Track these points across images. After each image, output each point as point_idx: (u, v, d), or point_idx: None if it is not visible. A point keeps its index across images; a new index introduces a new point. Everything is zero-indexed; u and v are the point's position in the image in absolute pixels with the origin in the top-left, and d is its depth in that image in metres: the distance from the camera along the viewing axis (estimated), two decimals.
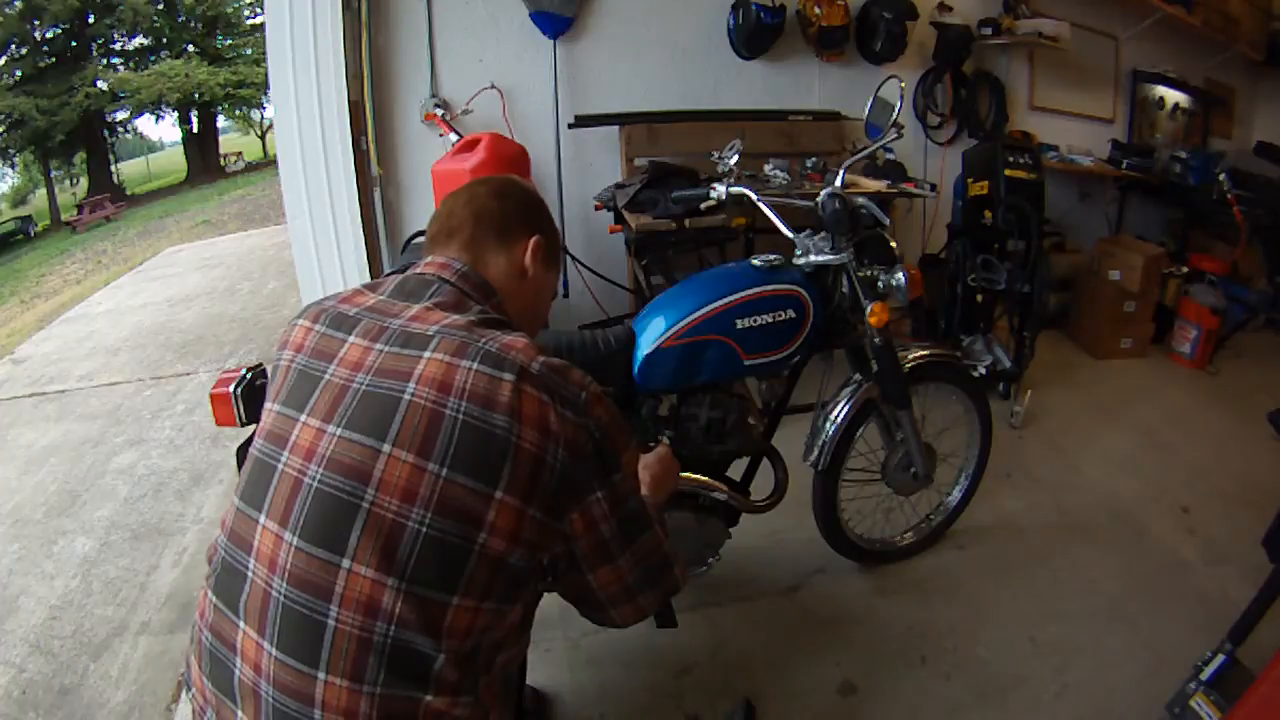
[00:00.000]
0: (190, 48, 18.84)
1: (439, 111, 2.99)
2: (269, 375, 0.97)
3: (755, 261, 1.57)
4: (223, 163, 20.51)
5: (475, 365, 0.79)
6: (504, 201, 1.03)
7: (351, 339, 0.87)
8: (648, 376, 1.51)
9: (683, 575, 1.03)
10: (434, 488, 0.76)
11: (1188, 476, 2.37)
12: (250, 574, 0.80)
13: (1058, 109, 3.84)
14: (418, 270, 0.97)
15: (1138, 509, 2.21)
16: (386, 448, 0.77)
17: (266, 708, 0.76)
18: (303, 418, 0.83)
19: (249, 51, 18.98)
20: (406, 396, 0.79)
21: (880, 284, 1.62)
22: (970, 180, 2.92)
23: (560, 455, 0.80)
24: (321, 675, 0.74)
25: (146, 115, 19.19)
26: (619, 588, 0.94)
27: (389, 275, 0.98)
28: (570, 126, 3.09)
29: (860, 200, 1.66)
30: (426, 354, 0.81)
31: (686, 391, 1.57)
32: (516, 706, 1.02)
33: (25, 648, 1.89)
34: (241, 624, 0.80)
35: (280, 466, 0.82)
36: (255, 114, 21.55)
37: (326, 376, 0.85)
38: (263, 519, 0.81)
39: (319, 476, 0.78)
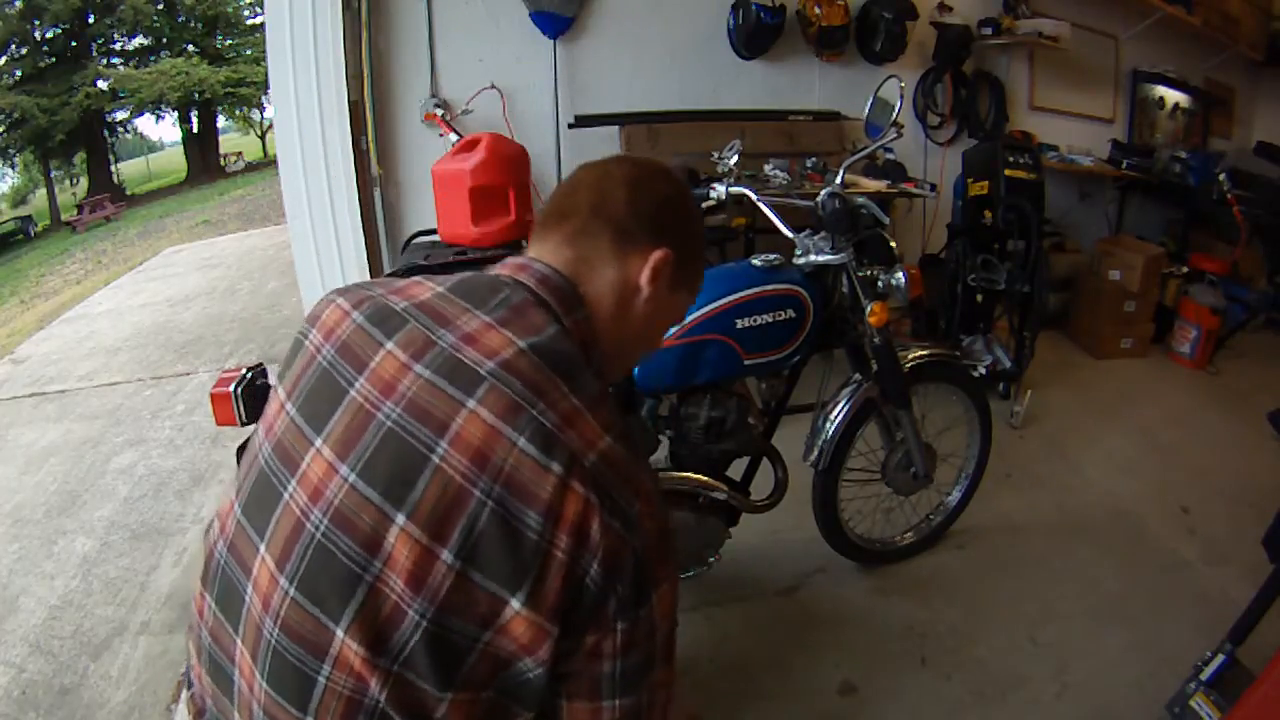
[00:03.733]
0: (190, 47, 18.85)
1: (439, 111, 2.99)
2: (290, 348, 0.85)
3: (755, 261, 1.57)
4: (223, 163, 20.49)
5: (521, 442, 0.65)
6: (636, 194, 0.82)
7: (390, 346, 0.72)
8: (648, 376, 1.51)
9: None
10: (444, 580, 0.65)
11: (1188, 476, 2.37)
12: (247, 602, 0.73)
13: (1058, 109, 3.84)
14: (496, 267, 0.81)
15: (1138, 509, 2.21)
16: (400, 519, 0.66)
17: None
18: (318, 442, 0.72)
19: (249, 51, 18.98)
20: (435, 459, 0.66)
21: (880, 284, 1.62)
22: (970, 180, 2.92)
23: (595, 570, 0.66)
24: None
25: (146, 115, 19.21)
26: None
27: (456, 270, 0.83)
28: (570, 126, 3.09)
29: (860, 200, 1.66)
30: (470, 403, 0.67)
31: (686, 391, 1.57)
32: None
33: (25, 648, 1.89)
34: (239, 643, 0.74)
35: (285, 497, 0.72)
36: (255, 114, 21.55)
37: (351, 391, 0.72)
38: (262, 549, 0.72)
39: (323, 528, 0.68)
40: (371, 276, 2.97)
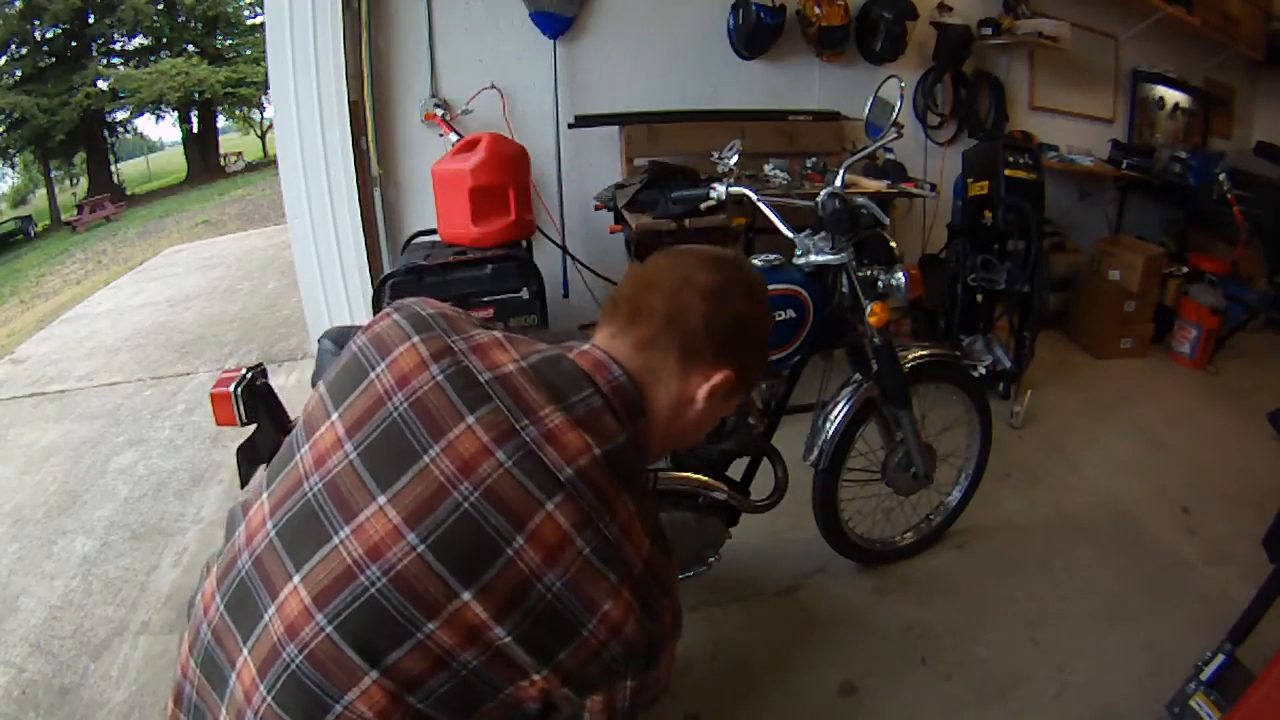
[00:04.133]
0: (190, 47, 18.85)
1: (439, 111, 2.99)
2: (346, 363, 0.87)
3: (755, 261, 1.57)
4: (223, 163, 20.48)
5: (587, 550, 0.73)
6: (712, 311, 0.84)
7: (471, 421, 0.76)
8: None
9: (667, 686, 0.91)
10: (492, 646, 0.72)
11: (1188, 476, 2.37)
12: (266, 621, 0.75)
13: (1058, 109, 3.84)
14: (575, 353, 0.84)
15: (1138, 509, 2.21)
16: (466, 595, 0.71)
17: None
18: (381, 500, 0.74)
19: (249, 51, 18.97)
20: (510, 551, 0.72)
21: (880, 284, 1.62)
22: (970, 180, 2.92)
23: (616, 652, 0.75)
24: None
25: (146, 115, 19.22)
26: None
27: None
28: (570, 126, 3.09)
29: (860, 200, 1.66)
30: (549, 507, 0.73)
31: None
32: None
33: (25, 648, 1.89)
34: (245, 653, 0.75)
35: (336, 542, 0.74)
36: (255, 114, 21.55)
37: (426, 459, 0.74)
38: (296, 580, 0.74)
39: (379, 585, 0.71)
40: (371, 277, 2.97)
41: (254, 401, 1.38)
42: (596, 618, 0.73)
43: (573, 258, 3.15)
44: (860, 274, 1.60)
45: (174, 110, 19.13)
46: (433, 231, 2.54)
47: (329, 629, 0.72)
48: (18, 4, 16.16)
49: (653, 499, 0.83)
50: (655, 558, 0.78)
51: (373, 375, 0.81)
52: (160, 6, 18.13)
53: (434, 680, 0.72)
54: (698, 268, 0.86)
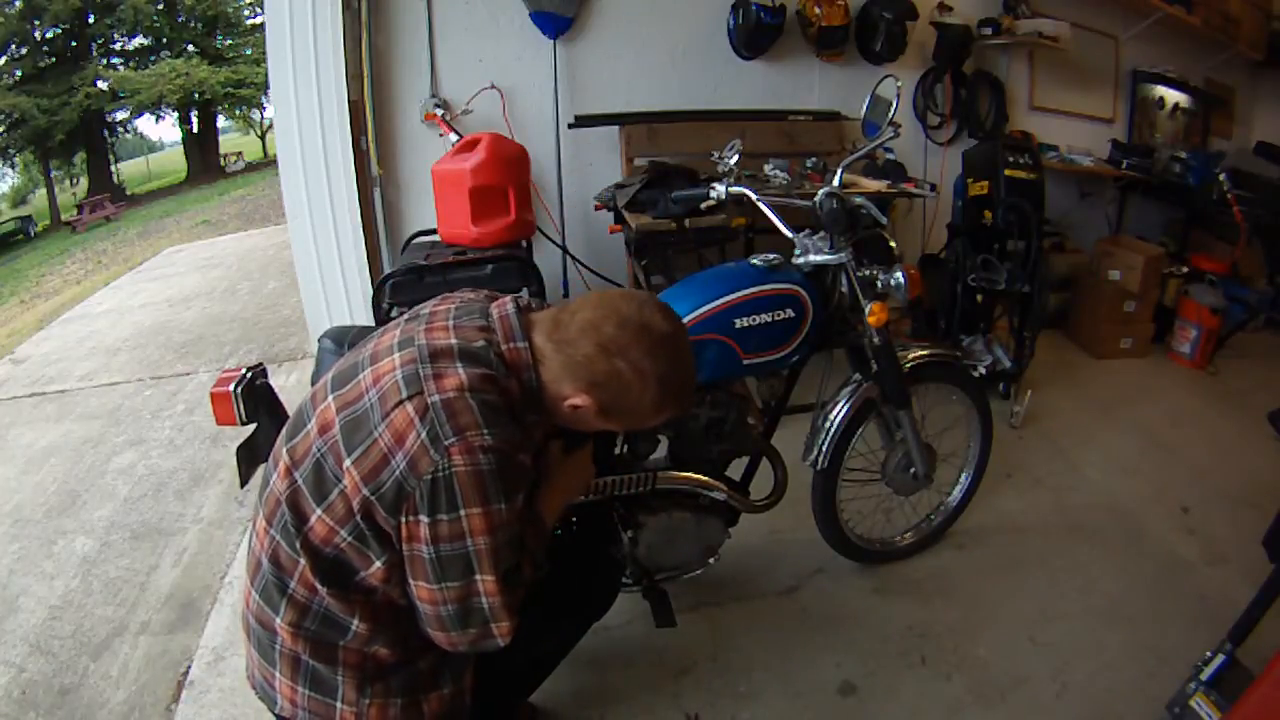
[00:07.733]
0: (190, 47, 18.86)
1: (439, 111, 2.99)
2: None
3: (754, 261, 1.57)
4: (223, 163, 20.50)
5: (399, 377, 0.97)
6: (595, 356, 1.01)
7: (396, 355, 1.02)
8: None
9: (505, 635, 1.02)
10: (334, 434, 0.97)
11: (1188, 476, 2.37)
12: (270, 486, 1.03)
13: (1058, 109, 3.84)
14: (503, 308, 1.07)
15: (1138, 509, 2.21)
16: (331, 398, 1.02)
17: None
18: (330, 399, 1.04)
19: (249, 51, 18.99)
20: (360, 374, 1.01)
21: (879, 284, 1.62)
22: (970, 180, 2.92)
23: (402, 465, 0.93)
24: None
25: (146, 115, 19.24)
26: (432, 609, 0.99)
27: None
28: (570, 126, 3.09)
29: (858, 200, 1.66)
30: (394, 356, 1.00)
31: None
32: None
33: (25, 648, 1.89)
34: (261, 514, 1.05)
35: (308, 427, 1.03)
36: (255, 114, 21.56)
37: (360, 375, 1.04)
38: (284, 455, 1.03)
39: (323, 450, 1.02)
40: (371, 277, 2.97)
41: (254, 401, 1.38)
42: (384, 422, 0.94)
43: (573, 257, 3.15)
44: (859, 274, 1.60)
45: (174, 111, 19.14)
46: (433, 231, 2.54)
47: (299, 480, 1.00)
48: (18, 4, 16.17)
49: (496, 412, 0.97)
50: (461, 404, 0.94)
51: (360, 355, 1.07)
52: (160, 6, 18.14)
53: (304, 464, 0.99)
54: (612, 323, 1.02)
